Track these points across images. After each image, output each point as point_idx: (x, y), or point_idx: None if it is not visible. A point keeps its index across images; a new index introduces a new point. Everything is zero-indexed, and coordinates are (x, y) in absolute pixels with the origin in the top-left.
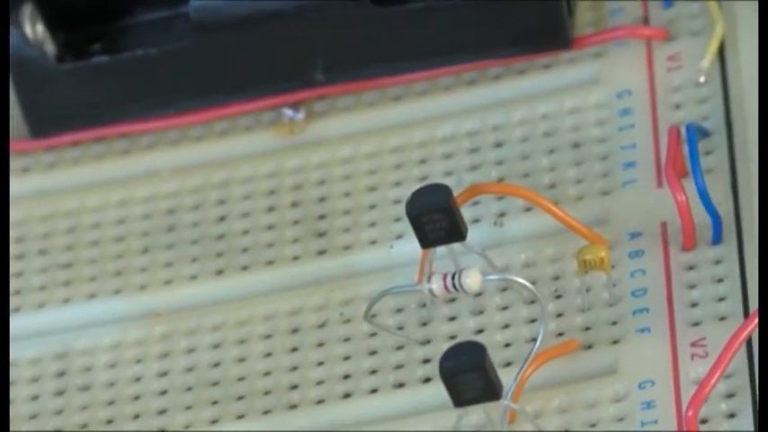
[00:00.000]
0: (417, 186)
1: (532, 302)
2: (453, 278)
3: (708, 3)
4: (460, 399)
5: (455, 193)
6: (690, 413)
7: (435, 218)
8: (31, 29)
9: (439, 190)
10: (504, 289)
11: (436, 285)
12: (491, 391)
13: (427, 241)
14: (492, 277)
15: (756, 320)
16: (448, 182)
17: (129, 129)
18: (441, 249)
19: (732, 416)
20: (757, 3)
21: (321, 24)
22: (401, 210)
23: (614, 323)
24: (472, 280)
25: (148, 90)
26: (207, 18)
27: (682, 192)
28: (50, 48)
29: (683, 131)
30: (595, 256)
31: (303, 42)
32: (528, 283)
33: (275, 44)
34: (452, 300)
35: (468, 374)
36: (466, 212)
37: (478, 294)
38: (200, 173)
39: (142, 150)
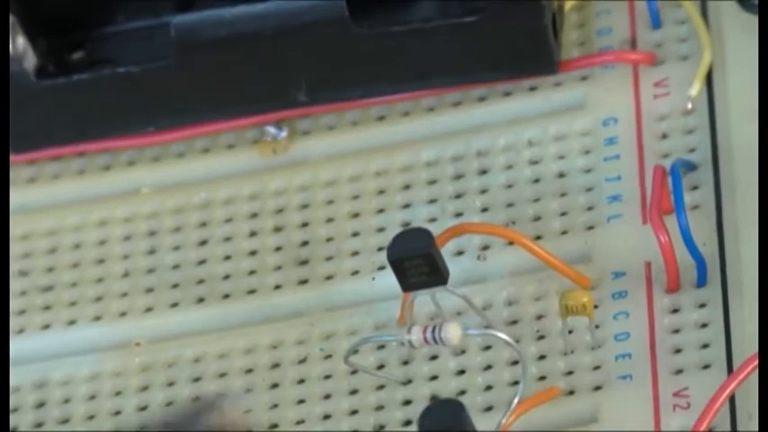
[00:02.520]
0: (400, 214)
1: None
2: (434, 331)
3: (697, 27)
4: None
5: (439, 225)
6: None
7: (416, 263)
8: (12, 43)
9: (420, 235)
10: (487, 326)
11: (416, 337)
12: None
13: (408, 285)
14: (473, 331)
15: (741, 377)
16: (431, 210)
17: (110, 144)
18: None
19: None
20: (744, 28)
21: (304, 45)
22: (383, 238)
23: (596, 368)
24: (452, 335)
25: (130, 107)
26: (189, 37)
27: (666, 234)
28: (31, 58)
29: (669, 169)
30: (577, 302)
31: (286, 63)
32: (510, 340)
33: (258, 64)
34: None
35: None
36: (449, 244)
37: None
38: (182, 192)
39: (123, 166)
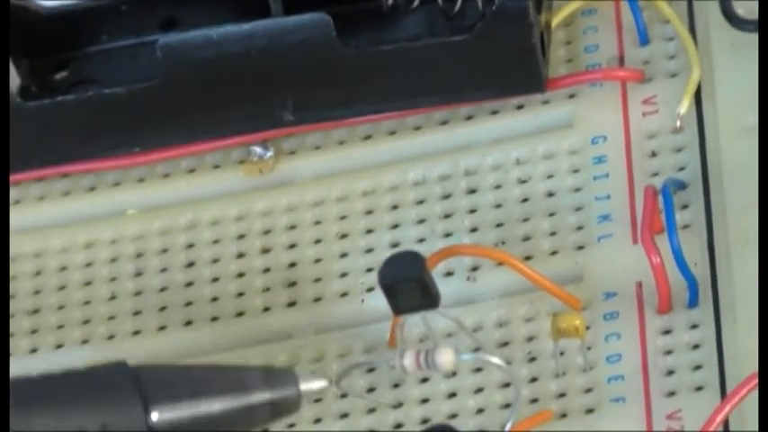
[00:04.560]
0: (388, 235)
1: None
2: (427, 356)
3: (685, 43)
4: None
5: (428, 245)
6: None
7: (408, 287)
8: None
9: (411, 259)
10: (477, 349)
11: (408, 362)
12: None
13: (400, 309)
14: (466, 356)
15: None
16: (420, 231)
17: (94, 165)
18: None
19: None
20: (733, 44)
21: (291, 65)
22: (372, 259)
23: (589, 390)
24: (445, 360)
25: (115, 128)
26: (175, 57)
27: (658, 255)
28: (14, 79)
29: (659, 189)
30: (570, 324)
31: (272, 82)
32: (502, 363)
33: (244, 84)
34: None
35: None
36: (438, 265)
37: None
38: (168, 213)
39: (108, 187)
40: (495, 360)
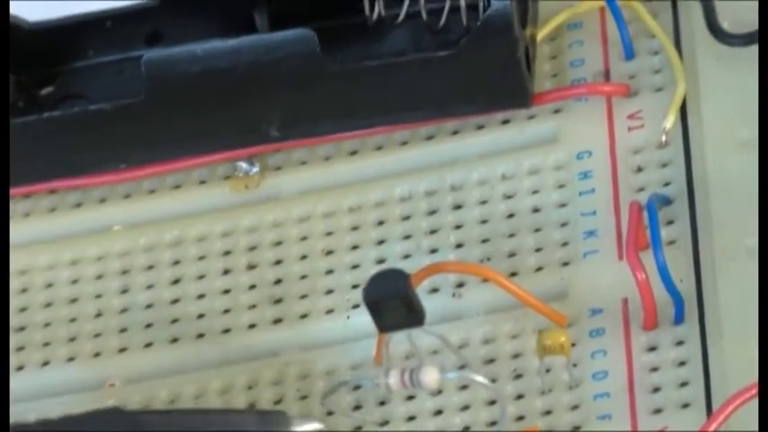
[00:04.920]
0: (374, 251)
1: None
2: (411, 374)
3: (670, 58)
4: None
5: (414, 262)
6: None
7: (393, 304)
8: None
9: (396, 276)
10: (463, 366)
11: (393, 380)
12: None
13: (385, 327)
14: (451, 375)
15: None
16: (406, 246)
17: (81, 182)
18: None
19: None
20: (718, 59)
21: (276, 81)
22: (358, 276)
23: (575, 407)
24: (430, 378)
25: (101, 144)
26: (160, 73)
27: (643, 272)
28: None
29: (645, 204)
30: (555, 342)
31: (258, 98)
32: (487, 382)
33: (229, 100)
34: None
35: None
36: (423, 282)
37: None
38: (153, 229)
39: (94, 203)
40: (480, 379)
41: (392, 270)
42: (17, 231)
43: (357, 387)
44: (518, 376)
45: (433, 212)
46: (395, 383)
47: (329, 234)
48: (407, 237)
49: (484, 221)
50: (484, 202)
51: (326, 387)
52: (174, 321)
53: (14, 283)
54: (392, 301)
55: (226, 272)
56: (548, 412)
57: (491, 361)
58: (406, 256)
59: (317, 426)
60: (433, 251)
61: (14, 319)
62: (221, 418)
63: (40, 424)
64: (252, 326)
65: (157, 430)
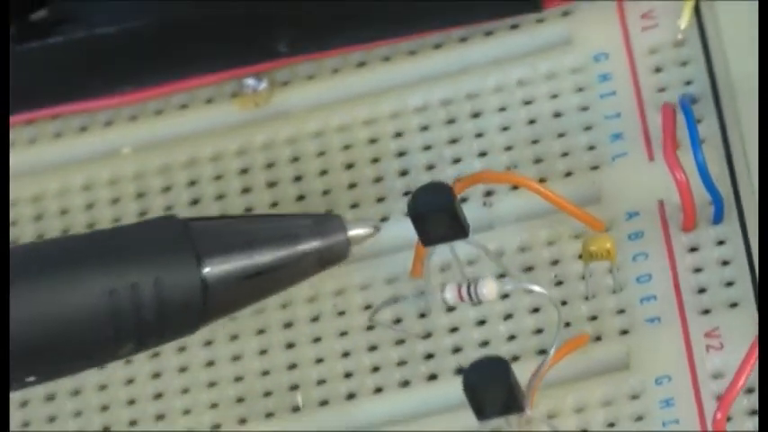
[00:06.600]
0: (396, 163)
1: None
2: (469, 288)
3: None
4: (484, 412)
5: (438, 172)
6: (719, 416)
7: (440, 217)
8: None
9: (441, 189)
10: (503, 275)
11: (450, 295)
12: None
13: (430, 240)
14: (509, 286)
15: None
16: (428, 156)
17: (85, 106)
18: None
19: (754, 412)
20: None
21: None
22: (381, 189)
23: (621, 311)
24: (489, 290)
25: (105, 67)
26: None
27: (682, 172)
28: None
29: (678, 105)
30: (601, 248)
31: (265, 13)
32: (545, 291)
33: (235, 16)
34: None
35: (492, 388)
36: None
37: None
38: (165, 150)
39: (100, 127)
40: (537, 288)
41: (436, 183)
42: (23, 158)
43: (396, 301)
44: (559, 283)
45: (451, 121)
46: (452, 298)
47: (347, 148)
48: (428, 147)
49: (505, 128)
50: (503, 109)
51: (378, 304)
52: None
53: (28, 210)
54: (439, 214)
55: (245, 190)
56: (593, 317)
57: (530, 269)
58: (430, 167)
59: (370, 229)
60: (457, 161)
61: None
62: (277, 224)
63: (91, 234)
64: None
65: (212, 235)
